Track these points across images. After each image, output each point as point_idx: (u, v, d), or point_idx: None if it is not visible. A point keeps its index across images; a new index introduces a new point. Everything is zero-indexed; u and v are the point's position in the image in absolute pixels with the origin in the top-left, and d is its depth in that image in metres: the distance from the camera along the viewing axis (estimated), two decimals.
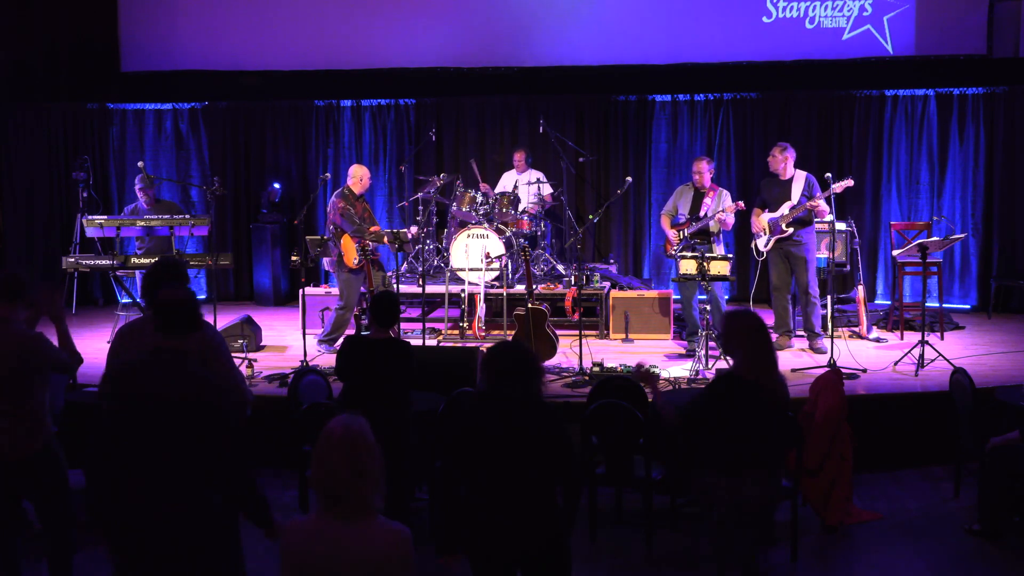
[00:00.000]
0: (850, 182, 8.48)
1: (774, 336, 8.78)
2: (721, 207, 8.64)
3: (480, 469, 3.91)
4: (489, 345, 4.24)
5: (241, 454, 3.84)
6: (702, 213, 8.67)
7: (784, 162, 8.63)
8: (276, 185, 11.37)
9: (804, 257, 8.59)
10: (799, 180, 8.62)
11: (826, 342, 8.31)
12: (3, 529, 4.84)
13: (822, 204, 8.32)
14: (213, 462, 3.72)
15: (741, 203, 8.81)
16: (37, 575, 5.28)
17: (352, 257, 8.45)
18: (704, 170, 8.72)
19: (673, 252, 8.80)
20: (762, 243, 8.72)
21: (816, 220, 8.59)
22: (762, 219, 8.70)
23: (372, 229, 8.62)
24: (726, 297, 10.37)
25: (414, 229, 9.48)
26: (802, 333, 8.88)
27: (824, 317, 8.76)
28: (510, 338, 8.62)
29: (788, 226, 8.54)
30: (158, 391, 3.72)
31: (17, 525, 4.96)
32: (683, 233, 8.73)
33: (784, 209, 8.54)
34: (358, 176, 8.74)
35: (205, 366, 4.44)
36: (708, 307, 8.58)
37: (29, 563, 5.27)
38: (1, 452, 4.71)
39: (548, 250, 10.33)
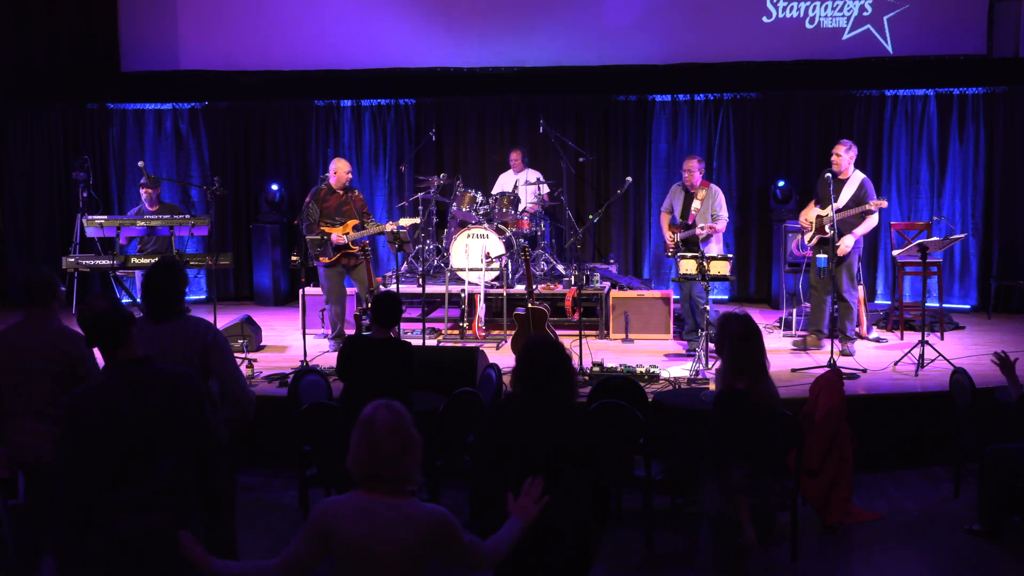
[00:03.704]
0: (884, 203, 8.50)
1: (803, 335, 8.79)
2: (711, 209, 8.61)
3: (510, 477, 3.81)
4: (506, 346, 4.18)
5: (218, 462, 3.73)
6: (691, 220, 8.67)
7: (843, 161, 8.41)
8: (274, 187, 11.37)
9: (843, 260, 8.34)
10: (854, 182, 8.44)
11: (856, 346, 8.31)
12: (33, 531, 4.80)
13: (870, 216, 8.27)
14: (193, 463, 3.62)
15: (716, 226, 8.64)
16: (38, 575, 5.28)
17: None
18: (694, 168, 8.69)
19: (670, 255, 8.82)
20: (806, 238, 8.69)
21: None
22: (809, 214, 8.61)
23: (343, 226, 8.64)
24: (724, 298, 10.40)
25: (404, 222, 9.33)
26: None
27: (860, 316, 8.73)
28: (511, 337, 8.63)
29: (830, 228, 8.33)
30: (129, 410, 3.52)
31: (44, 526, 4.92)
32: (677, 237, 8.73)
33: (830, 210, 8.22)
34: (332, 169, 8.82)
35: (199, 361, 4.41)
36: (707, 307, 8.58)
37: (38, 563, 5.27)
38: (38, 454, 4.65)
39: (548, 250, 10.33)
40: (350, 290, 9.13)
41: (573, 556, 3.91)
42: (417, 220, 9.62)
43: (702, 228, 8.55)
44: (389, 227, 8.72)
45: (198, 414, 3.67)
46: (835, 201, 8.21)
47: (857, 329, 9.27)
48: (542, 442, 3.85)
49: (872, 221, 8.48)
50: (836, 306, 8.47)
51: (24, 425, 4.70)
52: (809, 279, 8.78)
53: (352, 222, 8.67)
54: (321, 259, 8.62)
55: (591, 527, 3.95)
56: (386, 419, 3.17)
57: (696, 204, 8.66)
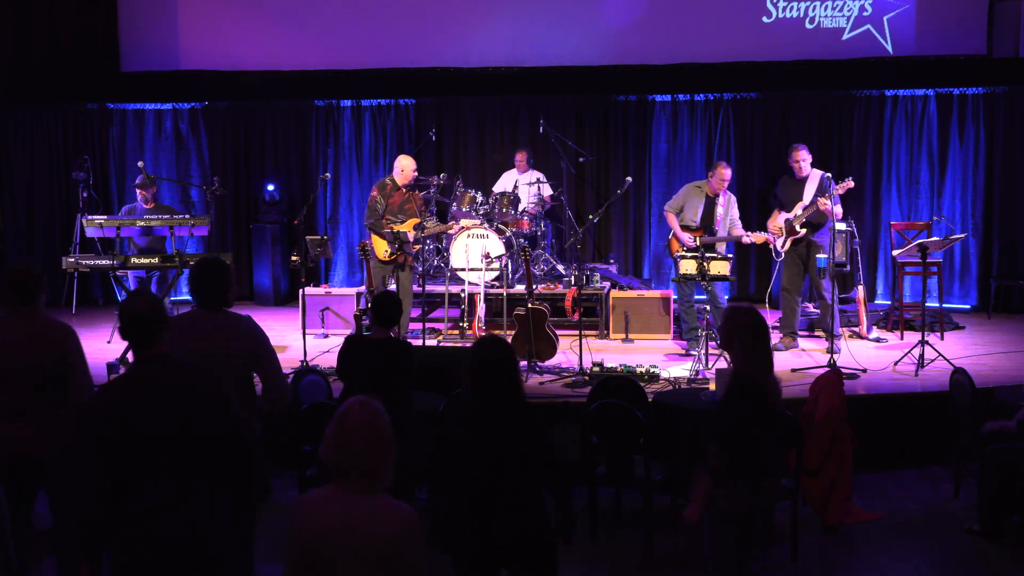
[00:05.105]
0: (850, 183, 8.50)
1: (777, 336, 8.80)
2: (730, 215, 8.70)
3: (459, 473, 3.89)
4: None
5: (248, 450, 3.78)
6: (716, 225, 8.69)
7: (798, 162, 8.65)
8: (270, 187, 11.37)
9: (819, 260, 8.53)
10: (813, 180, 8.63)
11: (840, 344, 8.34)
12: (16, 524, 4.79)
13: (828, 204, 8.28)
14: (225, 460, 3.65)
15: (766, 235, 8.75)
16: (38, 575, 5.28)
17: (383, 249, 8.61)
18: (727, 177, 8.72)
19: (681, 254, 8.81)
20: (779, 244, 8.75)
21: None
22: (777, 221, 8.73)
23: (404, 224, 8.67)
24: (726, 297, 10.39)
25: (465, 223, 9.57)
26: (820, 334, 8.92)
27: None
28: (511, 338, 8.62)
29: (802, 227, 8.55)
30: (156, 410, 3.52)
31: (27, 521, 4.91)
32: (697, 240, 8.71)
33: (797, 209, 8.57)
34: (399, 167, 8.83)
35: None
36: (708, 307, 8.59)
37: (30, 562, 5.27)
38: (18, 449, 4.63)
39: (548, 250, 10.33)
40: (360, 289, 9.14)
41: (534, 557, 3.94)
42: (478, 221, 9.65)
43: (748, 237, 8.63)
44: (453, 227, 9.14)
45: (226, 408, 3.69)
46: (803, 199, 8.55)
47: (857, 328, 9.30)
48: (490, 440, 3.88)
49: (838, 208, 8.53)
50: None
51: (5, 421, 4.66)
52: (781, 283, 8.86)
53: (414, 220, 8.72)
54: (382, 256, 8.60)
55: (551, 527, 3.96)
56: (359, 415, 3.17)
57: (719, 211, 8.71)
